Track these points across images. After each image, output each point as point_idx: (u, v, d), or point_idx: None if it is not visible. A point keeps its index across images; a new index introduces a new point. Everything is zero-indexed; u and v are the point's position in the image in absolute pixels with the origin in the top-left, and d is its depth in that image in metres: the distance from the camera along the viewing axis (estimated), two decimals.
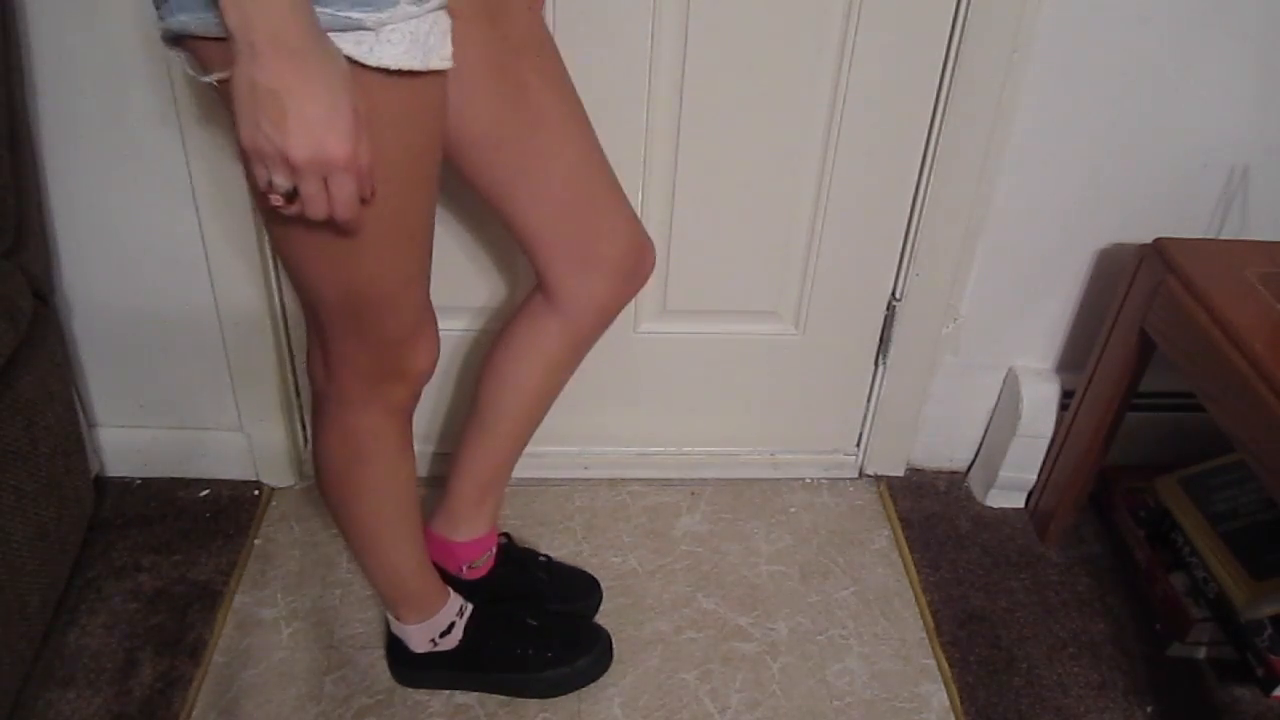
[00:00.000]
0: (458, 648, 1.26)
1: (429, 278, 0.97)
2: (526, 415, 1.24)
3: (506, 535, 1.41)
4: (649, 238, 1.16)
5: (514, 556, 1.39)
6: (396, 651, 1.28)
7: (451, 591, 1.27)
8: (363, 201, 0.76)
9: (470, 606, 1.28)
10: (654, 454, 1.61)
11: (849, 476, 1.65)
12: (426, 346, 1.00)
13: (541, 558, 1.41)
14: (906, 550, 1.53)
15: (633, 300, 1.21)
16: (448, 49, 0.80)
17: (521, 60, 0.98)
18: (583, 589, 1.40)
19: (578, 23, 1.21)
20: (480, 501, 1.30)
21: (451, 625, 1.25)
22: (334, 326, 0.93)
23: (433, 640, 1.25)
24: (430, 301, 0.99)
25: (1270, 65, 1.28)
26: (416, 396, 1.04)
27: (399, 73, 0.76)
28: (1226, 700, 1.35)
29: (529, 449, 1.60)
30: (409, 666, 1.28)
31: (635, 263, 1.14)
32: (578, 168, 1.05)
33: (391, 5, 0.73)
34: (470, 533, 1.31)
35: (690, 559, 1.49)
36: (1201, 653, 1.40)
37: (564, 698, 1.29)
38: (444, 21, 0.79)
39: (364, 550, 1.16)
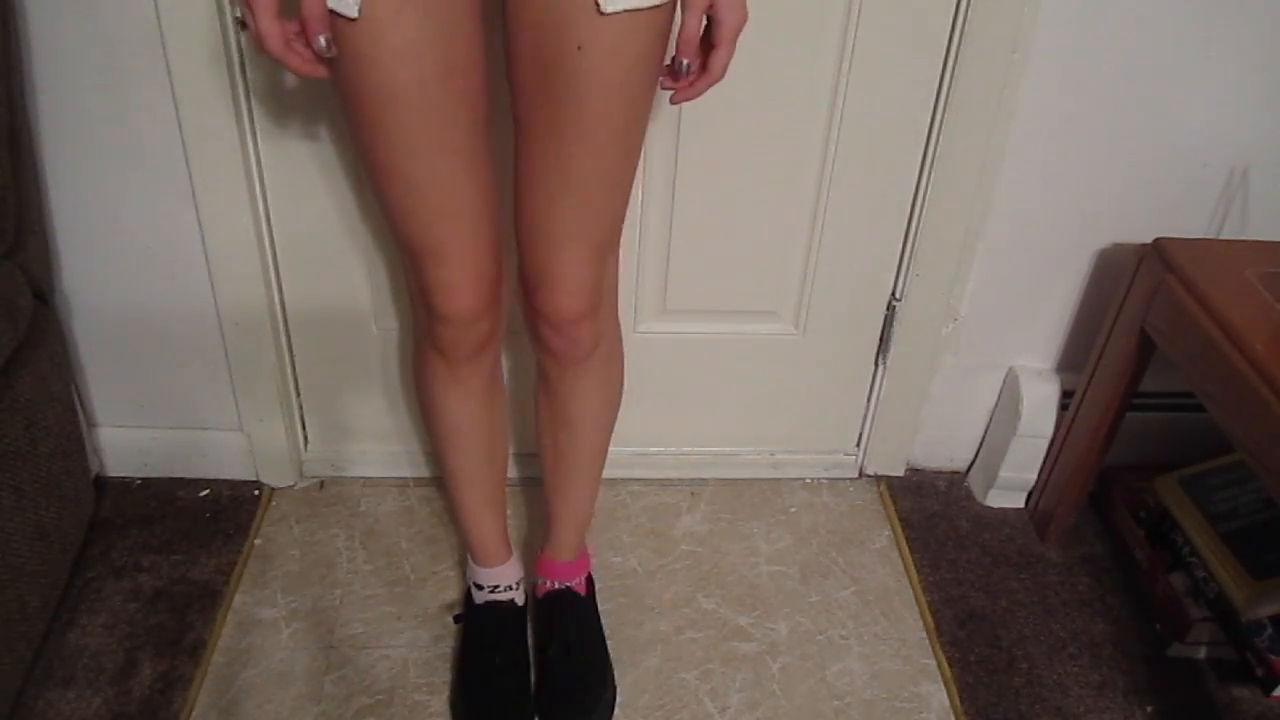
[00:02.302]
0: (472, 609, 1.32)
1: (452, 228, 1.01)
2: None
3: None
4: (556, 284, 1.06)
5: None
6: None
7: (509, 567, 1.32)
8: (322, 50, 0.86)
9: (508, 600, 1.31)
10: (654, 454, 1.61)
11: (849, 476, 1.65)
12: (452, 295, 1.04)
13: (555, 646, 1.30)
14: (906, 550, 1.53)
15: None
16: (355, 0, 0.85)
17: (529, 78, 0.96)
18: (576, 703, 1.26)
19: None
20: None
21: (482, 588, 1.31)
22: (394, 236, 1.06)
23: (470, 580, 1.34)
24: (469, 256, 1.03)
25: (1270, 66, 1.28)
26: (457, 346, 1.09)
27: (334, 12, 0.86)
28: (1226, 700, 1.35)
29: (529, 449, 1.60)
30: (466, 602, 1.36)
31: (529, 294, 1.09)
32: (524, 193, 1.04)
33: None
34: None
35: (690, 559, 1.49)
36: (1201, 653, 1.40)
37: None
38: None
39: (438, 465, 1.28)
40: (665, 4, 0.90)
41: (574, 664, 1.27)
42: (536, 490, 1.57)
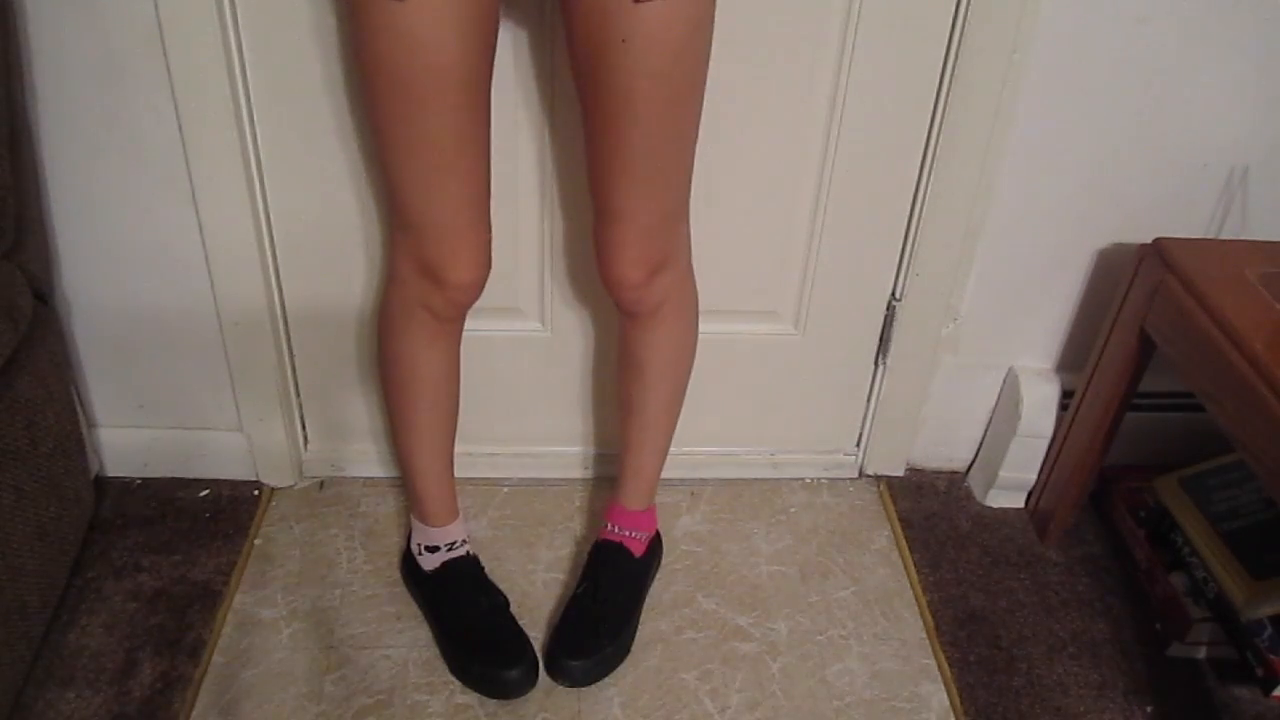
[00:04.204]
0: (429, 575, 1.35)
1: (463, 203, 1.05)
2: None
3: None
4: (617, 254, 1.13)
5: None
6: (408, 546, 1.40)
7: (460, 525, 1.37)
8: None
9: (464, 553, 1.35)
10: None
11: (849, 476, 1.65)
12: (457, 266, 1.10)
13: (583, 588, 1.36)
14: (906, 550, 1.53)
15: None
16: None
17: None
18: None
19: None
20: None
21: (437, 549, 1.35)
22: (390, 206, 1.09)
23: (419, 545, 1.37)
24: (474, 228, 1.08)
25: (1270, 66, 1.28)
26: (453, 308, 1.15)
27: None
28: (1226, 700, 1.35)
29: (528, 449, 1.60)
30: (406, 565, 1.41)
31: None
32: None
33: None
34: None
35: (690, 559, 1.49)
36: (1201, 653, 1.40)
37: (563, 697, 1.29)
38: None
39: (391, 425, 1.33)
40: None
41: (594, 609, 1.33)
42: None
